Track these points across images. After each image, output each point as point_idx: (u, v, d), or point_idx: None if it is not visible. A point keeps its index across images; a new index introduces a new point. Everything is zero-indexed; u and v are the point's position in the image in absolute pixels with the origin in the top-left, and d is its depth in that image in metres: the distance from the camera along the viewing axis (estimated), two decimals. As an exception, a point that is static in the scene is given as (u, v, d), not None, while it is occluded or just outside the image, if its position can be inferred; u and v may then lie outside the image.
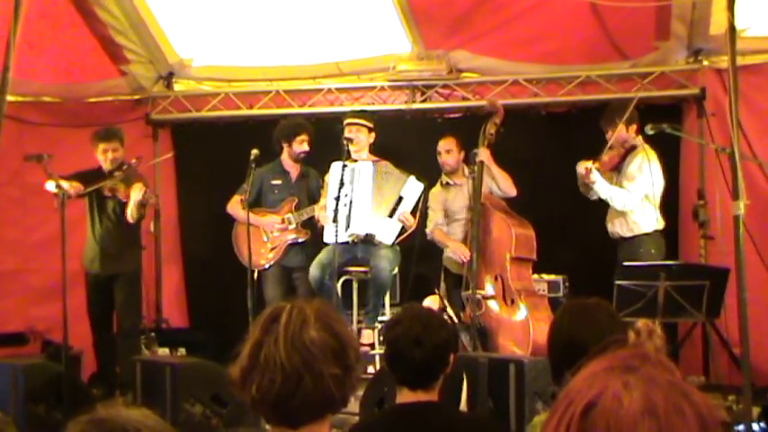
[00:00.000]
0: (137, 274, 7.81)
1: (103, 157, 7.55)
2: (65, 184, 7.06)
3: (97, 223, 7.65)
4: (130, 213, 7.43)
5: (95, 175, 7.53)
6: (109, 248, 7.62)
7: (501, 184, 7.37)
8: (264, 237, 7.77)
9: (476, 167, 7.22)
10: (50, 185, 7.02)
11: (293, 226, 7.73)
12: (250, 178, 7.34)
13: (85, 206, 7.67)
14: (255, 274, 7.61)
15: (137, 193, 7.32)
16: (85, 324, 7.76)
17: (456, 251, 7.34)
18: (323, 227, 7.53)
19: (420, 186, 7.46)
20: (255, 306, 7.03)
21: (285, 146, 7.82)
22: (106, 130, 7.79)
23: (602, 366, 1.23)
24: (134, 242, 7.81)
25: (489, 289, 7.11)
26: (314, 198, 7.75)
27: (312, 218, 7.68)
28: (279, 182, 7.78)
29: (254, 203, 7.70)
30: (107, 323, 7.73)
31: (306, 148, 7.78)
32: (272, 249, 7.71)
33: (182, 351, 8.48)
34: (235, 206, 7.82)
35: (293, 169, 7.89)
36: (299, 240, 7.75)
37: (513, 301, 6.99)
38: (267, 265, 7.73)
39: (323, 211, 7.49)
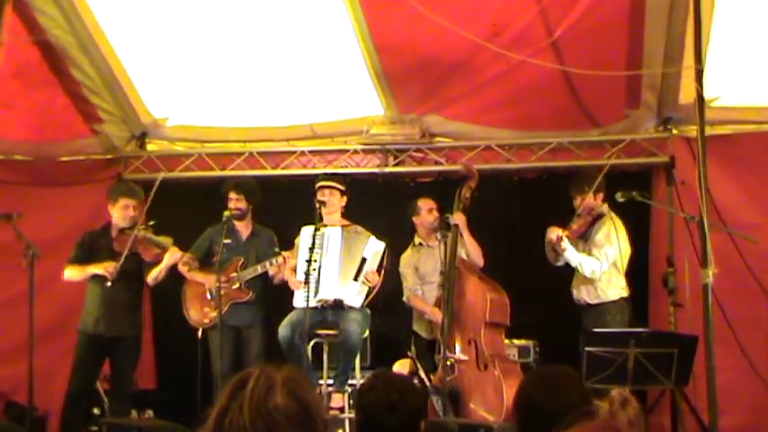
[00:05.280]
0: (140, 337, 7.61)
1: (122, 213, 7.39)
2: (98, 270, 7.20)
3: (104, 283, 7.27)
4: (155, 276, 7.37)
5: (101, 235, 7.45)
6: (117, 310, 7.35)
7: (471, 253, 7.39)
8: (208, 295, 7.75)
9: (450, 231, 7.22)
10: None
11: (236, 286, 7.70)
12: (220, 239, 7.38)
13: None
14: (200, 333, 7.67)
15: (173, 256, 7.33)
16: (51, 385, 7.63)
17: (436, 317, 7.29)
18: (288, 287, 7.51)
19: (381, 244, 7.44)
20: (204, 365, 7.37)
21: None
22: (128, 185, 7.70)
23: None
24: (139, 304, 7.60)
25: (462, 353, 7.06)
26: (263, 258, 7.68)
27: (259, 276, 7.66)
28: (228, 241, 7.68)
29: (206, 262, 7.77)
30: (91, 385, 7.43)
31: (236, 204, 7.73)
32: (216, 308, 7.59)
33: (149, 413, 8.38)
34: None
35: (244, 229, 7.89)
36: (241, 300, 7.70)
37: (486, 367, 6.95)
38: (210, 324, 7.65)
39: (293, 275, 7.46)
